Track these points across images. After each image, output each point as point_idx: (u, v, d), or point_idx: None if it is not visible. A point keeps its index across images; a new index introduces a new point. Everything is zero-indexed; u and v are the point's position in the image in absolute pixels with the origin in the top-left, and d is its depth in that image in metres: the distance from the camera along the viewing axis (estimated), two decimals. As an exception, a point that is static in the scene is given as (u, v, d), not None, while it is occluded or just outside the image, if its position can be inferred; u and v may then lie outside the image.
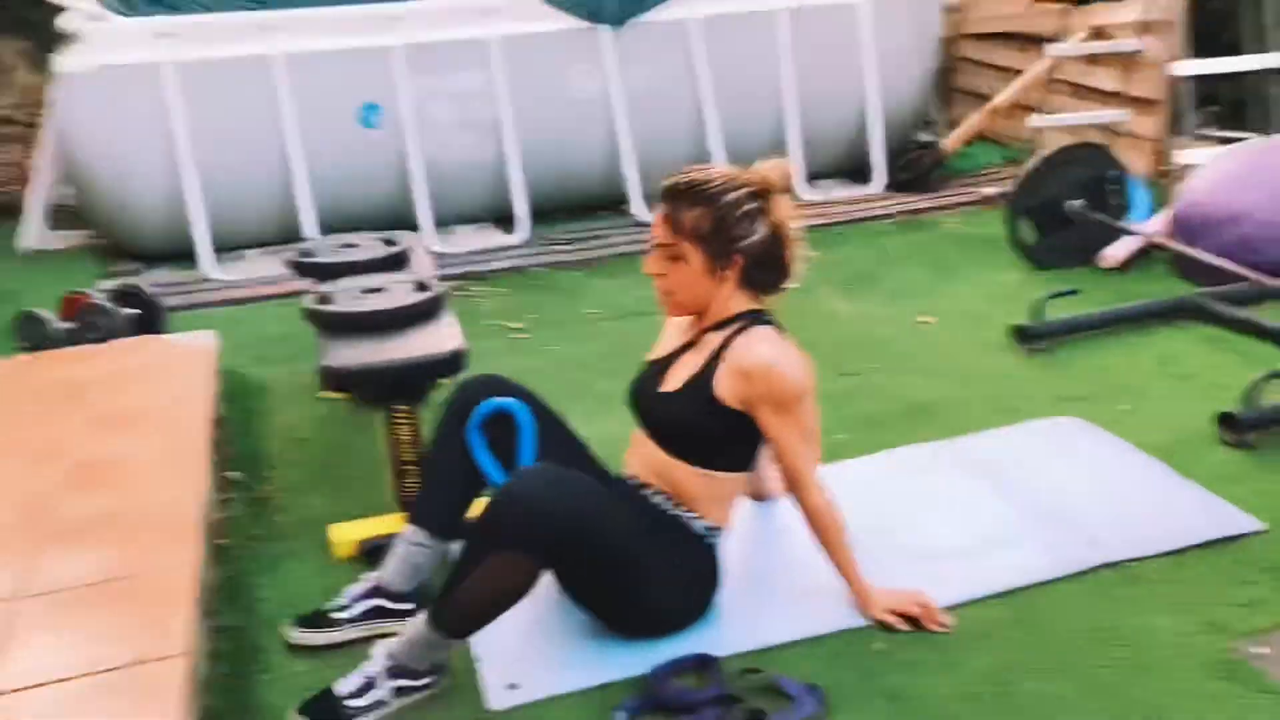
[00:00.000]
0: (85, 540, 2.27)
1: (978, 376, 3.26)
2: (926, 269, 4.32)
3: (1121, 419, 2.92)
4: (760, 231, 2.04)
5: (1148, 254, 4.20)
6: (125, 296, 3.98)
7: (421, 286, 2.70)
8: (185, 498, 2.44)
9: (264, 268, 4.74)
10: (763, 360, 2.01)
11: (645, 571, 2.04)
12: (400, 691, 1.96)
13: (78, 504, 2.43)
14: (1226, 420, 2.75)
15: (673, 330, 2.26)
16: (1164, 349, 3.35)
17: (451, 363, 2.39)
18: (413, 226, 4.95)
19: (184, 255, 4.82)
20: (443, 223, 5.02)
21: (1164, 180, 5.10)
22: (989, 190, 5.26)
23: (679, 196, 2.03)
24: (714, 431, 2.08)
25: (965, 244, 4.60)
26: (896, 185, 5.47)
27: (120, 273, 4.75)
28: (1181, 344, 3.38)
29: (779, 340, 2.06)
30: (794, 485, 2.09)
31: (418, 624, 1.95)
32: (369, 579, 2.22)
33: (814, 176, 5.56)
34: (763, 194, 2.05)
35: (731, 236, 2.02)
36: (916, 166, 5.47)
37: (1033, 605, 2.16)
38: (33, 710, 1.75)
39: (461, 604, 1.91)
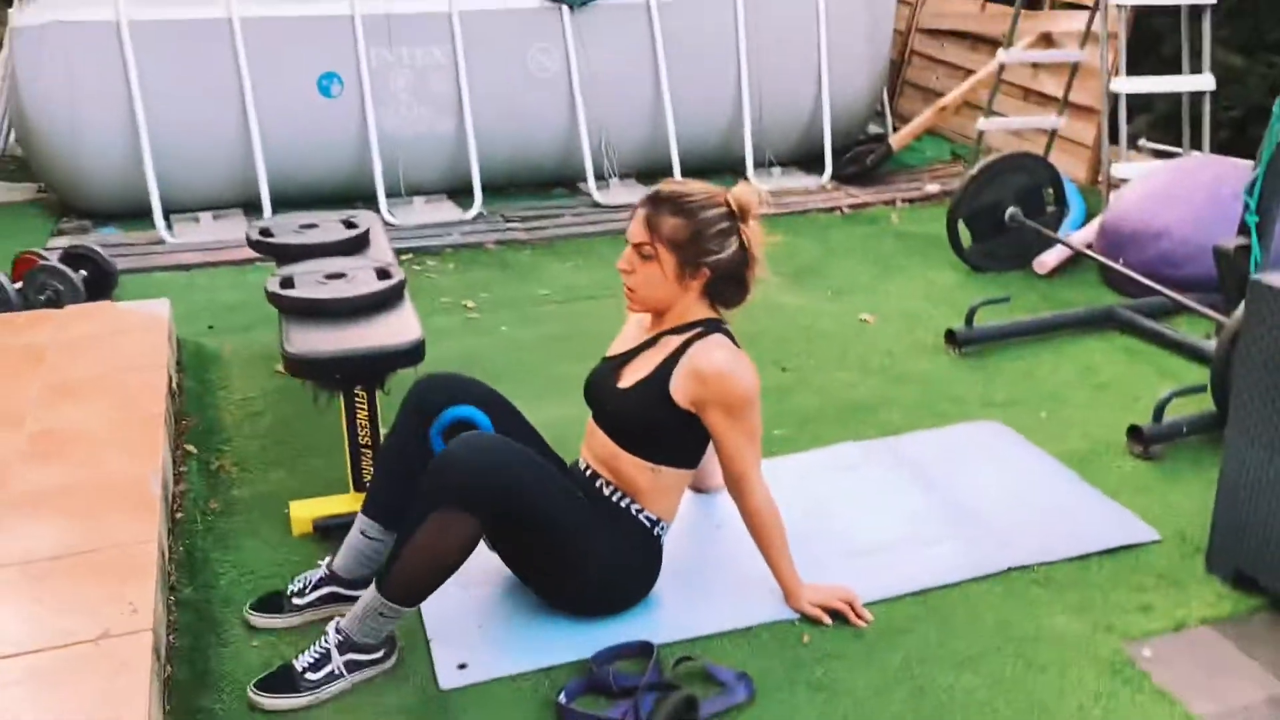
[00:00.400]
0: (47, 512, 2.34)
1: (911, 377, 3.43)
2: (870, 264, 4.48)
3: (1041, 425, 3.11)
4: (730, 249, 2.18)
5: (1078, 261, 4.41)
6: (77, 259, 4.00)
7: (383, 273, 2.78)
8: (144, 471, 2.51)
9: (218, 232, 4.75)
10: (717, 366, 2.15)
11: (584, 547, 2.16)
12: (353, 665, 2.07)
13: (37, 474, 2.49)
14: (1134, 433, 2.95)
15: (632, 328, 2.38)
16: (1086, 358, 3.55)
17: (412, 353, 2.48)
18: (368, 196, 5.00)
19: (134, 215, 4.82)
20: (396, 194, 5.07)
21: (1098, 187, 5.33)
22: (932, 187, 5.44)
23: (661, 204, 2.16)
24: (664, 428, 2.21)
25: (908, 240, 4.76)
26: (844, 177, 5.61)
27: (68, 230, 4.75)
28: (1102, 354, 3.58)
29: (734, 349, 2.20)
30: (737, 485, 2.24)
31: (367, 595, 2.06)
32: (322, 565, 2.32)
33: (765, 164, 5.70)
34: (737, 215, 2.17)
35: (703, 250, 2.16)
36: (864, 160, 5.61)
37: (947, 602, 2.33)
38: (6, 678, 1.84)
39: (406, 567, 2.02)
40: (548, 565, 2.21)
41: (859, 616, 2.27)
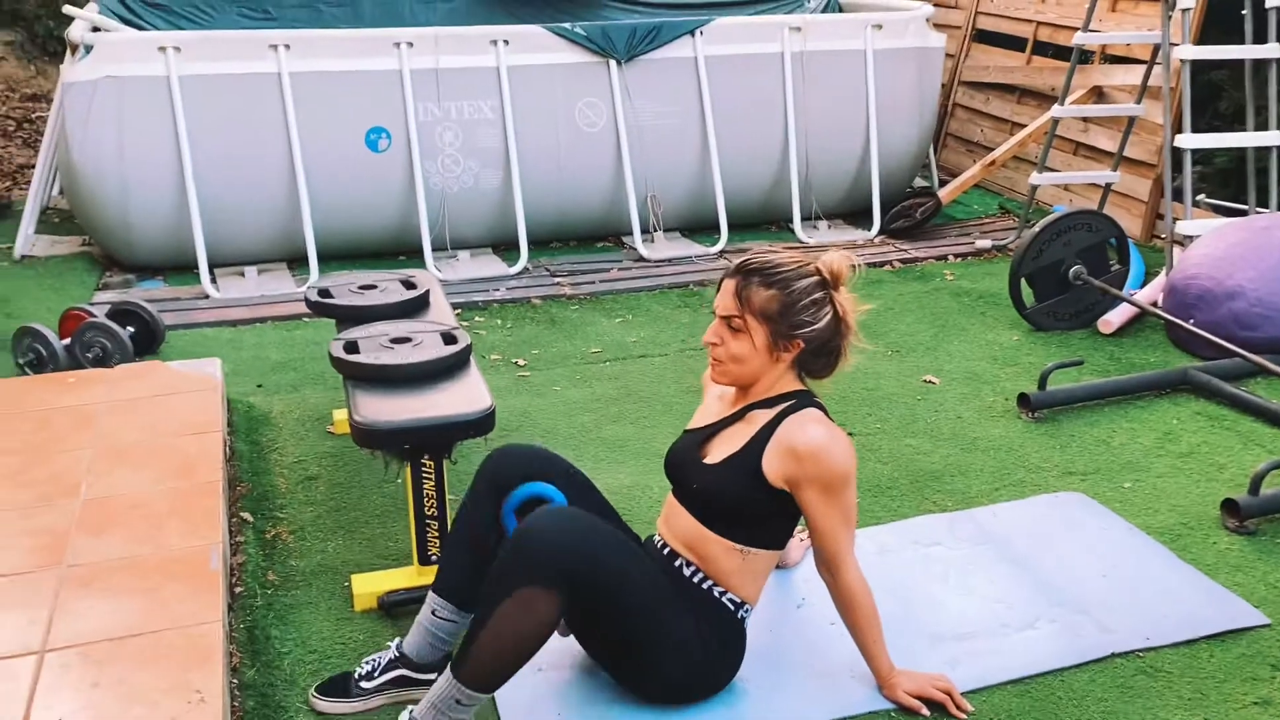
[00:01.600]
0: (105, 588, 2.25)
1: (984, 444, 3.31)
2: (927, 323, 4.37)
3: (1125, 496, 2.98)
4: (824, 320, 2.08)
5: (1142, 319, 4.30)
6: (125, 315, 3.94)
7: (449, 338, 2.70)
8: (204, 544, 2.42)
9: (263, 286, 4.70)
10: (814, 442, 2.04)
11: (667, 630, 2.05)
12: (427, 759, 1.96)
13: (94, 547, 2.41)
14: (1229, 507, 2.82)
15: (713, 401, 2.28)
16: (1163, 424, 3.42)
17: (483, 423, 2.39)
18: (413, 250, 4.96)
19: (178, 268, 4.79)
20: (442, 247, 5.02)
21: (1154, 245, 5.23)
22: (984, 242, 5.35)
23: (751, 274, 2.07)
24: (755, 507, 2.10)
25: (964, 298, 4.66)
26: (892, 232, 5.53)
27: (113, 284, 4.71)
28: (1179, 419, 3.46)
29: (829, 424, 2.10)
30: (831, 566, 2.12)
31: (441, 682, 1.95)
32: (392, 647, 2.21)
33: (811, 218, 5.63)
34: (830, 284, 2.08)
35: (797, 322, 2.06)
36: (913, 214, 5.54)
37: (1049, 692, 2.20)
38: (69, 779, 1.74)
39: (483, 651, 1.91)
40: (629, 650, 2.10)
41: (959, 708, 2.14)
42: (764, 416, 2.11)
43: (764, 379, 2.13)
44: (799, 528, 2.50)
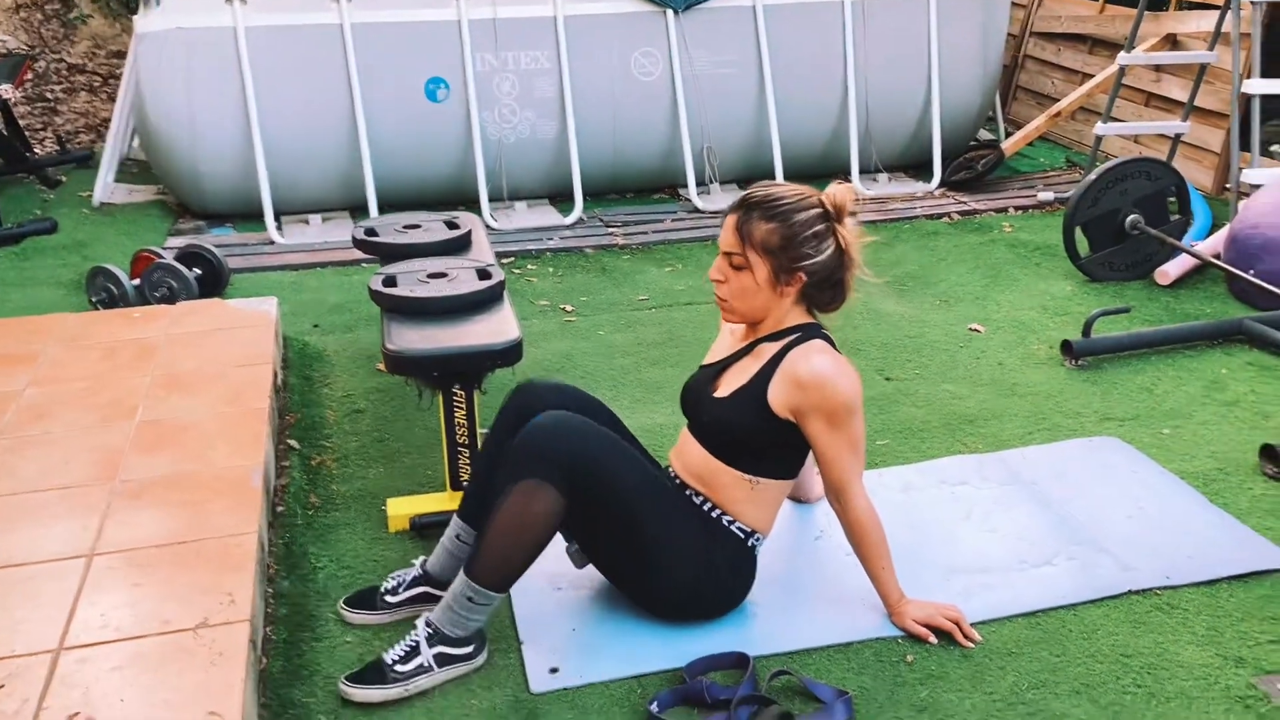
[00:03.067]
0: (153, 501, 2.39)
1: (1024, 390, 3.29)
2: (980, 273, 4.33)
3: (1163, 442, 2.95)
4: (826, 252, 2.09)
5: (1202, 271, 4.20)
6: (192, 257, 4.11)
7: (484, 274, 2.77)
8: (247, 464, 2.55)
9: (326, 233, 4.85)
10: (818, 373, 2.07)
11: (671, 539, 2.11)
12: (443, 659, 2.05)
13: (146, 464, 2.55)
14: (1268, 452, 2.76)
15: (727, 336, 2.32)
16: (1211, 373, 3.36)
17: (510, 353, 2.47)
18: (471, 199, 5.05)
19: (246, 216, 4.95)
20: (499, 197, 5.10)
21: (1225, 197, 5.07)
22: (1046, 195, 5.24)
23: (752, 209, 2.09)
24: (763, 438, 2.14)
25: (1020, 249, 4.59)
26: (953, 184, 5.46)
27: (185, 230, 4.90)
28: (1230, 369, 3.38)
29: (834, 354, 2.12)
30: (838, 495, 2.15)
31: (456, 583, 2.04)
32: (416, 565, 2.31)
33: (871, 170, 5.58)
34: (832, 216, 2.09)
35: (798, 254, 2.08)
36: (975, 165, 5.45)
37: (1061, 625, 2.21)
38: (109, 663, 1.87)
39: (491, 545, 2.00)
40: (634, 555, 2.15)
41: (966, 636, 2.16)
42: (771, 349, 2.14)
43: (771, 314, 2.16)
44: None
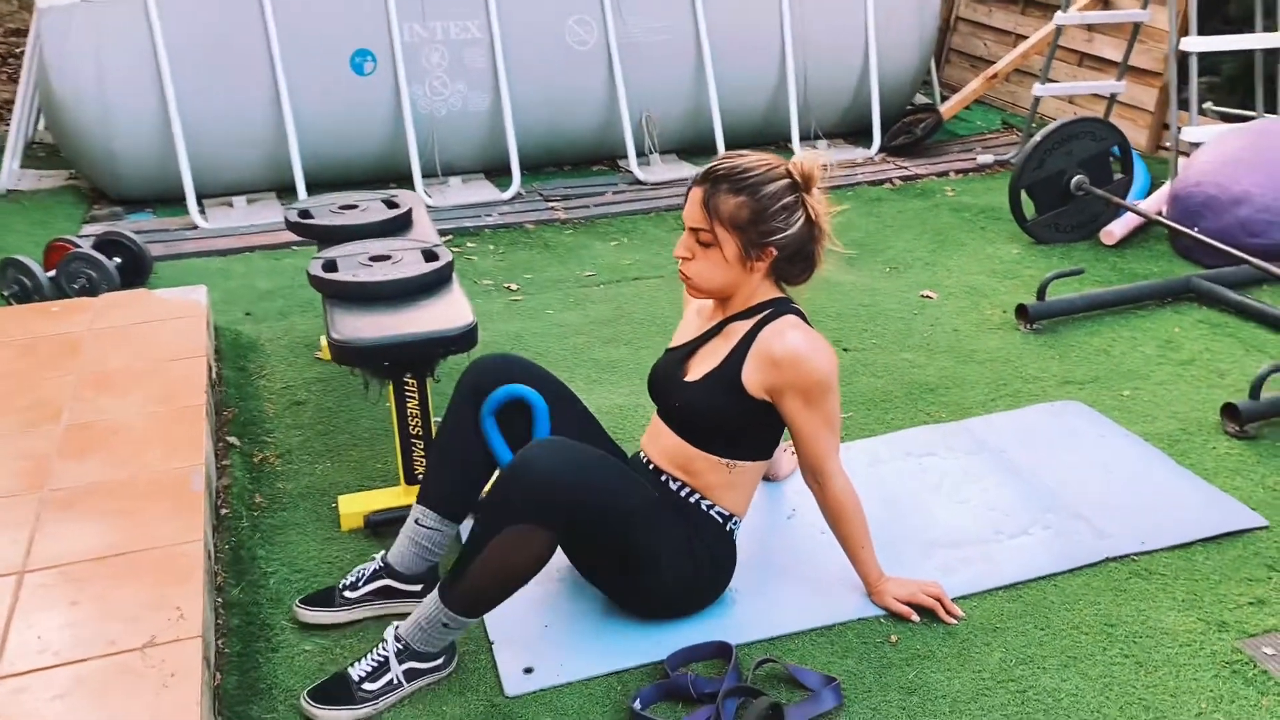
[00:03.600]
0: (86, 510, 2.22)
1: (980, 356, 3.26)
2: (926, 239, 4.30)
3: (1124, 404, 2.94)
4: (796, 224, 2.00)
5: (1145, 230, 4.22)
6: (111, 245, 3.89)
7: (430, 255, 2.64)
8: (186, 466, 2.40)
9: (252, 216, 4.64)
10: (793, 349, 1.98)
11: (659, 549, 2.03)
12: (412, 674, 1.95)
13: (76, 471, 2.38)
14: (1230, 411, 2.77)
15: (694, 316, 2.22)
16: (1165, 333, 3.36)
17: (465, 338, 2.34)
18: (403, 176, 4.87)
19: (166, 200, 4.72)
20: (432, 173, 4.93)
21: (1160, 155, 5.11)
22: (986, 158, 5.24)
23: (718, 181, 1.98)
24: (739, 421, 2.05)
25: (964, 213, 4.57)
26: (893, 149, 5.42)
27: (100, 217, 4.65)
28: (1182, 328, 3.40)
29: (808, 330, 2.03)
30: (815, 473, 2.08)
31: (428, 604, 1.93)
32: (377, 559, 2.19)
33: (811, 137, 5.51)
34: (801, 186, 2.00)
35: (769, 228, 1.98)
36: (914, 130, 5.42)
37: (1042, 597, 2.18)
38: (50, 691, 1.73)
39: (473, 581, 1.89)
40: (619, 568, 2.07)
41: (949, 613, 2.12)
42: (742, 328, 2.05)
43: (740, 290, 2.06)
44: (787, 440, 2.47)
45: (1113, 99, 4.98)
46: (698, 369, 2.09)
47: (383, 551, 2.21)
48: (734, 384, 2.02)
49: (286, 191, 4.82)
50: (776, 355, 1.99)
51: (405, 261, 2.61)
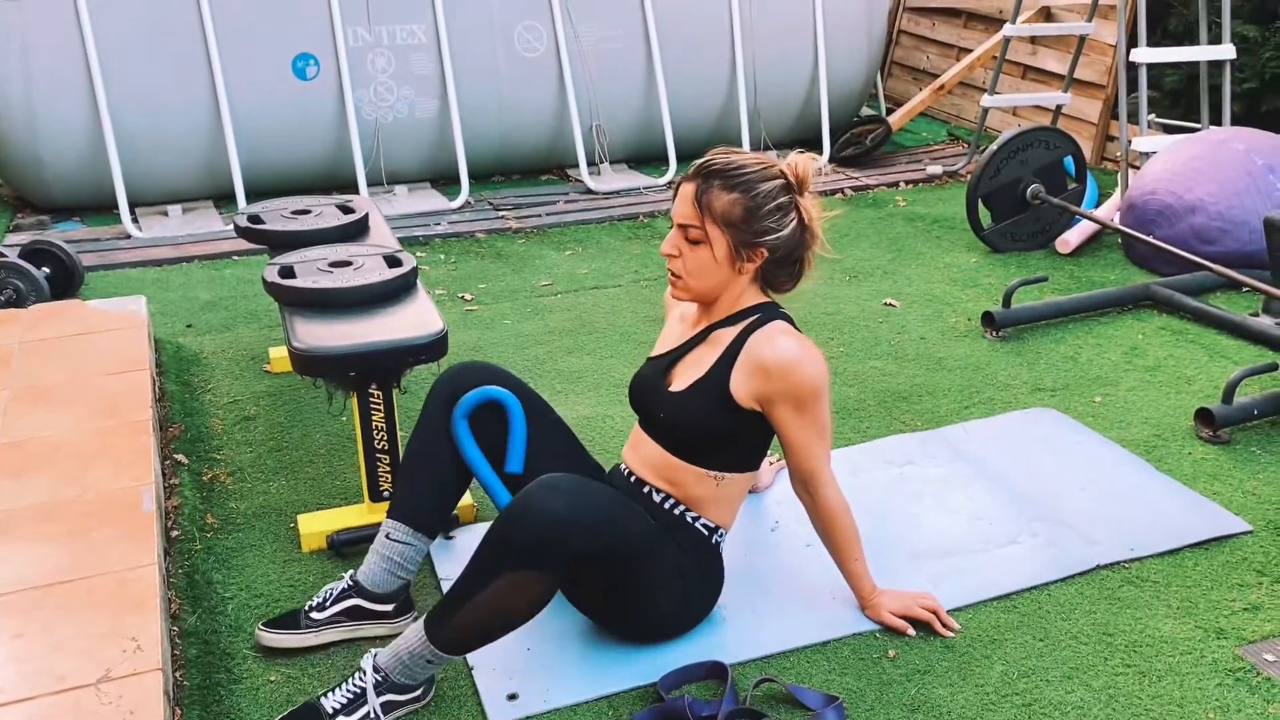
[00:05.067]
0: (27, 535, 2.06)
1: (950, 364, 3.23)
2: (883, 248, 4.27)
3: (1097, 411, 2.92)
4: (788, 226, 1.93)
5: (1098, 239, 4.25)
6: (39, 255, 3.69)
7: (393, 260, 2.52)
8: (135, 485, 2.24)
9: (188, 225, 4.45)
10: (783, 356, 1.90)
11: (654, 576, 1.93)
12: (389, 706, 1.82)
13: (14, 491, 2.22)
14: (1203, 416, 2.76)
15: (675, 324, 2.13)
16: (1129, 339, 3.37)
17: (437, 346, 2.23)
18: (347, 184, 4.73)
19: (96, 209, 4.51)
20: (378, 182, 4.79)
21: (1104, 166, 5.18)
22: (935, 169, 5.25)
23: (712, 177, 1.90)
24: (727, 432, 1.96)
25: (918, 223, 4.57)
26: (842, 160, 5.42)
27: (26, 225, 4.42)
28: (1144, 334, 3.41)
29: (798, 336, 1.96)
30: (807, 483, 2.00)
31: (412, 636, 1.80)
32: (346, 578, 2.06)
33: (761, 147, 5.48)
34: (795, 188, 1.93)
35: (761, 229, 1.91)
36: (863, 141, 5.42)
37: (1038, 607, 2.13)
38: (-8, 738, 1.57)
39: (466, 621, 1.77)
40: (616, 600, 1.96)
41: (945, 625, 2.06)
42: (728, 335, 1.97)
43: (726, 294, 1.98)
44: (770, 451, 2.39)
45: (1058, 110, 5.03)
46: (683, 378, 2.00)
47: (351, 571, 2.08)
48: (721, 393, 1.94)
49: (225, 200, 4.64)
50: (767, 363, 1.91)
51: (367, 267, 2.48)
